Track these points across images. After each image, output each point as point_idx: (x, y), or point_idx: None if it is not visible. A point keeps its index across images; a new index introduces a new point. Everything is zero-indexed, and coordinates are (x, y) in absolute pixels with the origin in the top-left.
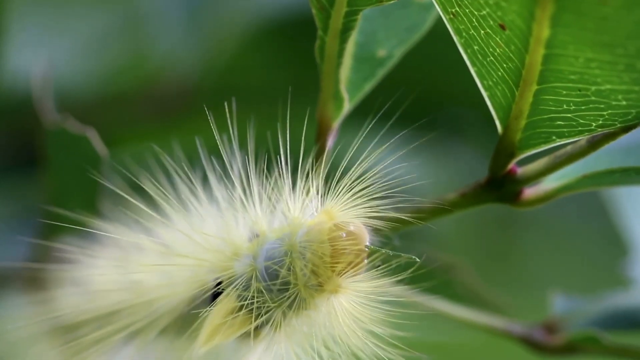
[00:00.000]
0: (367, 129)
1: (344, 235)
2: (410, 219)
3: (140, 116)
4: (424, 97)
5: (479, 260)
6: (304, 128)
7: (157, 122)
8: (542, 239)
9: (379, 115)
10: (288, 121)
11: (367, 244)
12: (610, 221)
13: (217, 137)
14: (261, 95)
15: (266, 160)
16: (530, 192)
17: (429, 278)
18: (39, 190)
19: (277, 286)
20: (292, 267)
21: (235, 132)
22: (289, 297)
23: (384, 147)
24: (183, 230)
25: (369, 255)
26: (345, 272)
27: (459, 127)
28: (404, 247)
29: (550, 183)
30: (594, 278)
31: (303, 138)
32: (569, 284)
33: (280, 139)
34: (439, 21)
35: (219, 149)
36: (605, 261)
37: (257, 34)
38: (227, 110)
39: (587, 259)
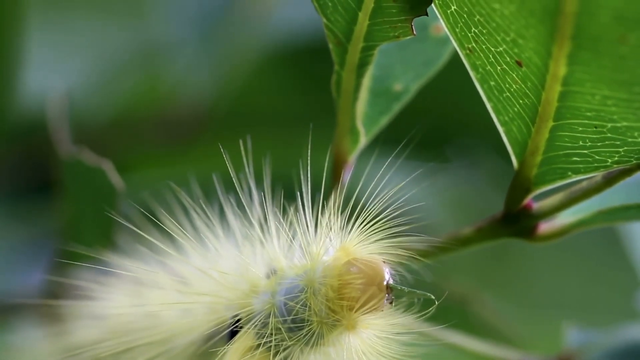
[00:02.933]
0: (382, 161)
1: (360, 270)
2: (426, 255)
3: (153, 140)
4: (439, 129)
5: (490, 290)
6: (322, 158)
7: (170, 146)
8: (555, 271)
9: (394, 143)
10: (309, 156)
11: (386, 280)
12: (623, 254)
13: (230, 169)
14: (274, 120)
15: (282, 191)
16: (545, 227)
17: (444, 310)
18: (53, 218)
19: (295, 323)
20: (309, 304)
21: (251, 165)
22: (307, 334)
23: (396, 176)
24: (200, 267)
25: (388, 292)
26: (362, 309)
27: (473, 158)
28: (419, 280)
29: (565, 218)
30: (607, 311)
31: (317, 166)
32: (582, 316)
33: (296, 169)
34: (455, 52)
35: (232, 180)
36: (619, 294)
37: (271, 60)
38: (241, 134)
39: (601, 292)
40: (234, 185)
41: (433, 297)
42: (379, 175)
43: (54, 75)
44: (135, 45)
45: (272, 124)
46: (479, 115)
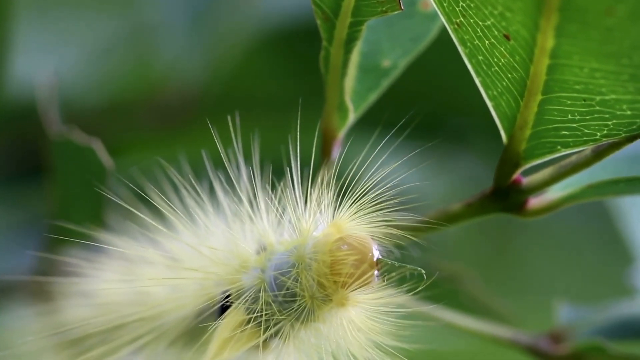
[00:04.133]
0: (372, 140)
1: (352, 247)
2: (416, 230)
3: (144, 125)
4: (428, 107)
5: (481, 268)
6: (312, 139)
7: (161, 131)
8: (546, 248)
9: (383, 123)
10: (298, 132)
11: (375, 255)
12: (614, 230)
13: (221, 150)
14: (266, 104)
15: (272, 170)
16: (535, 202)
17: (435, 288)
18: (44, 200)
19: (285, 298)
20: (300, 279)
21: (240, 144)
22: (297, 309)
23: (386, 156)
24: (190, 243)
25: (378, 268)
26: (353, 285)
27: (462, 136)
28: (409, 257)
29: (555, 193)
30: (598, 287)
31: (307, 147)
32: (572, 293)
33: (286, 149)
34: (443, 31)
35: (223, 160)
36: (609, 270)
37: (262, 43)
38: (233, 117)
39: (591, 268)
40: (224, 166)
41: (423, 272)
42: (370, 155)
43: (44, 61)
44: (126, 30)
45: (264, 108)
46: (470, 96)
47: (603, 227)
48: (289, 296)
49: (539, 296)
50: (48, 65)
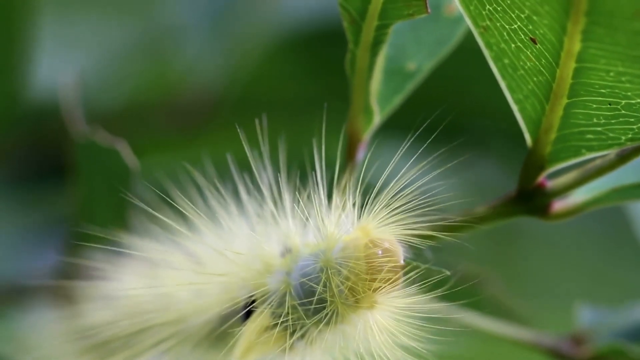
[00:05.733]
0: (394, 143)
1: (380, 251)
2: (442, 234)
3: (163, 127)
4: (450, 112)
5: (502, 269)
6: (333, 141)
7: (180, 133)
8: (566, 251)
9: (406, 127)
10: (323, 133)
11: (403, 260)
12: (629, 233)
13: (246, 148)
14: (286, 106)
15: (297, 173)
16: (559, 205)
17: (460, 291)
18: (66, 202)
19: (312, 303)
20: (328, 284)
21: (266, 143)
22: (324, 314)
23: (410, 160)
24: (214, 246)
25: (404, 272)
26: (382, 289)
27: (483, 141)
28: (430, 260)
29: (579, 196)
30: (613, 290)
31: (330, 150)
32: (587, 296)
33: (307, 152)
34: (466, 36)
35: (246, 161)
36: (624, 273)
37: (282, 45)
38: (253, 120)
39: (606, 271)
40: (247, 167)
41: (449, 273)
42: (393, 158)
43: (65, 63)
44: (145, 33)
45: (283, 110)
46: (490, 101)
47: (618, 229)
48: (317, 302)
49: (553, 300)
50: (69, 67)
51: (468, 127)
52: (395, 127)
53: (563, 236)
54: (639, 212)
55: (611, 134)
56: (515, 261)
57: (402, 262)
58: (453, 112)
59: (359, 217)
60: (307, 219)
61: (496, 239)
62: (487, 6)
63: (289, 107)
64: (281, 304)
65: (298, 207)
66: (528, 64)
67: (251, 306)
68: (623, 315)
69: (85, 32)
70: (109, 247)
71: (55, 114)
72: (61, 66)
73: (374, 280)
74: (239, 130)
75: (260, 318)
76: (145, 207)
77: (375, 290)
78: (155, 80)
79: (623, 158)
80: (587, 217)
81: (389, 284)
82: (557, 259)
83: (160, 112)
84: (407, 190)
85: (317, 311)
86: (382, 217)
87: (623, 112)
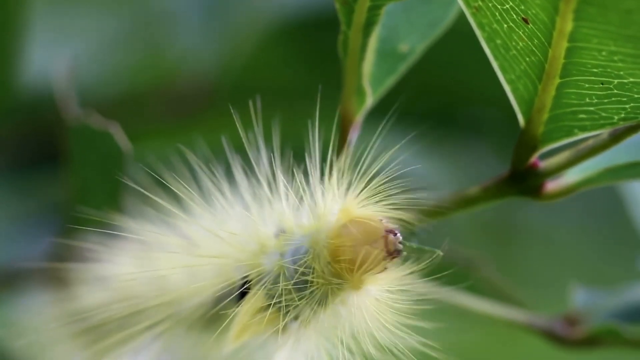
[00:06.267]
0: (388, 126)
1: (356, 231)
2: (432, 214)
3: (157, 115)
4: (443, 95)
5: (491, 253)
6: (327, 127)
7: (175, 121)
8: (554, 233)
9: (399, 112)
10: (317, 116)
11: (386, 237)
12: (625, 214)
13: (241, 131)
14: (280, 93)
15: (290, 155)
16: (552, 185)
17: (449, 272)
18: (60, 187)
19: (304, 284)
20: (316, 265)
21: (260, 127)
22: (315, 294)
23: (403, 143)
24: (208, 228)
25: (391, 249)
26: (365, 268)
27: (477, 125)
28: (425, 242)
29: (572, 176)
30: (609, 271)
31: (325, 134)
32: (584, 277)
33: (302, 137)
34: (459, 19)
35: (239, 147)
36: (620, 255)
37: (276, 32)
38: (248, 107)
39: (602, 253)
40: (242, 152)
41: (441, 253)
42: (385, 142)
43: (58, 51)
44: (139, 20)
45: (278, 97)
46: (484, 87)
47: (614, 211)
48: (304, 283)
49: (553, 280)
50: (65, 54)
51: (462, 111)
52: (390, 110)
53: (558, 224)
54: (634, 193)
55: (604, 114)
56: (517, 241)
57: (384, 239)
58: (447, 98)
59: (347, 198)
60: (300, 200)
61: (499, 218)
62: None
63: (284, 94)
64: (275, 284)
65: (292, 189)
66: (520, 44)
67: (245, 287)
68: (617, 296)
69: (79, 20)
70: (103, 230)
71: (49, 103)
72: (55, 55)
73: (350, 261)
74: (233, 113)
75: (254, 299)
76: (140, 190)
77: (356, 270)
78: (150, 69)
79: (616, 138)
80: (591, 195)
81: (370, 263)
82: (561, 239)
83: (155, 100)
84: (398, 172)
85: (309, 292)
86: (368, 198)
87: (615, 91)
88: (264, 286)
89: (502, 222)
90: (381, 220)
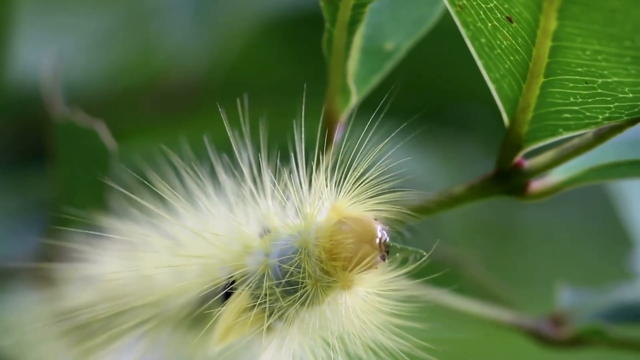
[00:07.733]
0: (374, 124)
1: (350, 230)
2: (418, 212)
3: (147, 112)
4: (431, 94)
5: (483, 253)
6: (317, 124)
7: (164, 118)
8: (546, 233)
9: (385, 110)
10: (302, 115)
11: (378, 237)
12: (614, 214)
13: (227, 129)
14: (269, 90)
15: (276, 155)
16: (537, 184)
17: (437, 271)
18: (46, 185)
19: (290, 285)
20: (304, 265)
21: (247, 126)
22: (301, 294)
23: (389, 140)
24: (192, 228)
25: (381, 250)
26: (357, 268)
27: (464, 123)
28: (412, 241)
29: (557, 176)
30: (599, 271)
31: (311, 132)
32: (572, 278)
33: (290, 134)
34: (445, 17)
35: (227, 145)
36: (610, 255)
37: (265, 30)
38: (237, 104)
39: (592, 253)
40: (229, 150)
41: (426, 254)
42: (372, 140)
43: (46, 48)
44: (129, 17)
45: (268, 94)
46: (471, 84)
47: (602, 211)
48: (293, 283)
49: (540, 280)
50: (52, 52)
51: (451, 108)
52: (376, 109)
53: (556, 216)
54: (624, 192)
55: (588, 113)
56: (504, 240)
57: (376, 239)
58: (434, 95)
59: (335, 197)
60: (285, 200)
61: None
62: None
63: (273, 91)
64: (260, 284)
65: (277, 189)
66: (504, 43)
67: (230, 287)
68: (603, 296)
69: (68, 17)
70: (89, 230)
71: (36, 100)
72: (42, 52)
73: (345, 260)
74: (221, 111)
75: (239, 299)
76: (125, 190)
77: (349, 270)
78: (139, 65)
79: (600, 137)
80: (580, 196)
81: (363, 263)
82: (551, 239)
83: (144, 97)
84: (385, 170)
85: (294, 292)
86: (357, 197)
87: (599, 90)
88: (248, 286)
89: (499, 222)
90: (374, 219)
